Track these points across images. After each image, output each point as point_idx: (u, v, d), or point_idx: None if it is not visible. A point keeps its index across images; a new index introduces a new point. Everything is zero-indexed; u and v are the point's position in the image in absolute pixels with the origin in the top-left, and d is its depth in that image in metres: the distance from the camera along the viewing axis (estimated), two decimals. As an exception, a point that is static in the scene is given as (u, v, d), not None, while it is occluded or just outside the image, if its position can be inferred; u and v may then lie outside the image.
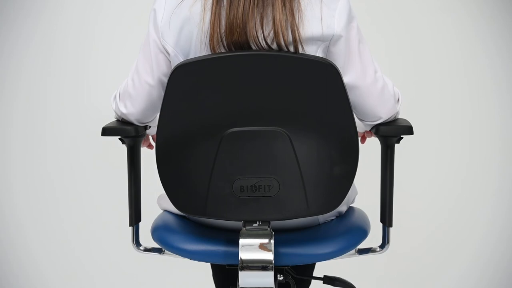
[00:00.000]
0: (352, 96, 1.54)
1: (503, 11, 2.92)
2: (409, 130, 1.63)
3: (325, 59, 1.49)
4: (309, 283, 1.82)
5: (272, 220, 1.55)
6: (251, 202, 1.51)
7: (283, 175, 1.51)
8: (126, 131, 1.67)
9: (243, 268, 1.52)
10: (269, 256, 1.52)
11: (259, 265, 1.52)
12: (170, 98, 1.49)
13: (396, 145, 1.68)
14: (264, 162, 1.51)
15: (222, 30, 1.49)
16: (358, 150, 1.52)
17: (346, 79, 1.53)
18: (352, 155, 1.52)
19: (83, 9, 2.93)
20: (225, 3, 1.48)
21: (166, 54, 1.55)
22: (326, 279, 1.74)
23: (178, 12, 1.52)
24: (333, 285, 1.74)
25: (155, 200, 1.83)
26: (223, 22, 1.49)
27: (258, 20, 1.48)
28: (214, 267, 1.84)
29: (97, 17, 2.95)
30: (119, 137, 1.68)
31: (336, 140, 1.51)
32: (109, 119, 1.77)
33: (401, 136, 1.66)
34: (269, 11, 1.48)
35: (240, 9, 1.47)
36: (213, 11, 1.49)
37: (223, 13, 1.49)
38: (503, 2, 2.92)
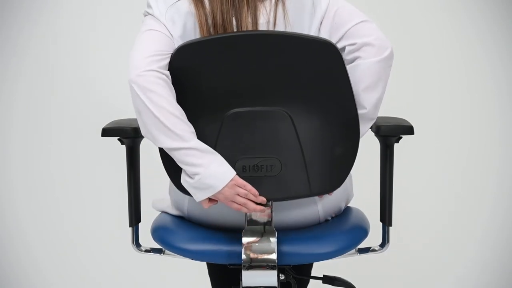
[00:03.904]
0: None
1: (503, 11, 2.92)
2: (409, 130, 1.63)
3: (326, 39, 1.51)
4: (308, 282, 1.82)
5: (274, 200, 1.55)
6: (253, 181, 1.51)
7: (285, 155, 1.52)
8: (125, 131, 1.67)
9: (247, 268, 1.52)
10: (272, 255, 1.52)
11: (263, 264, 1.52)
12: (172, 79, 1.50)
13: (396, 145, 1.68)
14: (266, 142, 1.52)
15: (209, 23, 1.54)
16: (359, 131, 1.53)
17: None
18: (353, 135, 1.53)
19: (84, 7, 2.93)
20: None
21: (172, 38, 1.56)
22: (326, 279, 1.74)
23: (174, 8, 1.56)
24: (332, 284, 1.74)
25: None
26: (209, 20, 1.54)
27: (234, 14, 1.54)
28: (212, 267, 1.84)
29: (98, 15, 2.94)
30: (118, 137, 1.69)
31: (337, 120, 1.52)
32: (110, 119, 1.77)
33: (401, 136, 1.66)
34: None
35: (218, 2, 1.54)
36: (195, 4, 1.54)
37: (207, 5, 1.54)
38: (503, 2, 2.92)
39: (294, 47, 1.49)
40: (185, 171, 1.50)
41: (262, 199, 1.52)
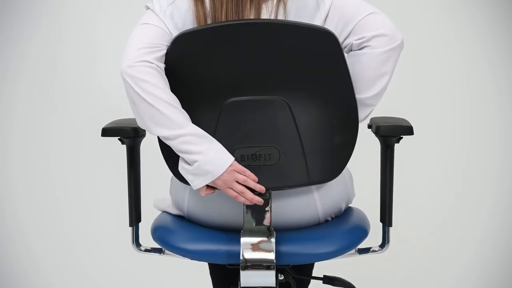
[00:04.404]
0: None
1: (503, 11, 2.92)
2: (409, 130, 1.63)
3: (326, 28, 1.51)
4: (309, 282, 1.82)
5: (273, 189, 1.55)
6: (251, 170, 1.51)
7: (284, 144, 1.52)
8: (125, 131, 1.67)
9: (244, 268, 1.52)
10: (270, 255, 1.52)
11: (261, 264, 1.52)
12: (170, 68, 1.50)
13: (396, 145, 1.68)
14: (264, 131, 1.52)
15: (208, 23, 1.53)
16: (358, 119, 1.53)
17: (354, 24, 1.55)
18: (352, 124, 1.53)
19: (84, 7, 2.93)
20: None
21: (169, 34, 1.55)
22: (326, 279, 1.74)
23: (174, 5, 1.56)
24: (333, 285, 1.74)
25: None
26: (208, 19, 1.53)
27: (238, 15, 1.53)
28: (213, 267, 1.84)
29: (98, 15, 2.94)
30: (118, 137, 1.69)
31: (336, 109, 1.52)
32: (110, 119, 1.77)
33: (401, 136, 1.66)
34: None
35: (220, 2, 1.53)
36: (195, 4, 1.54)
37: (207, 5, 1.53)
38: (503, 2, 2.92)
39: (293, 35, 1.49)
40: (183, 158, 1.50)
41: (261, 188, 1.51)
